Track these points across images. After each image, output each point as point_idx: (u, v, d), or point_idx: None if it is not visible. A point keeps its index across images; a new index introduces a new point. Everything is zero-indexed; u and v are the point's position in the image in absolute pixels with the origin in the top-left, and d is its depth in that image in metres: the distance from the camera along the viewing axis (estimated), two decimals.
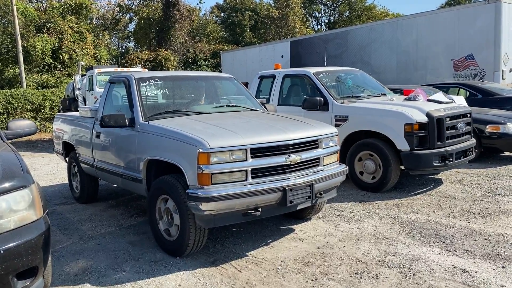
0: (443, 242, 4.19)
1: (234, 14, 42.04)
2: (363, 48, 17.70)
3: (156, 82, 5.03)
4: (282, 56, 20.84)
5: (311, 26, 47.22)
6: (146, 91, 4.82)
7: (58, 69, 24.40)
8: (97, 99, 12.55)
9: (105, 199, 6.48)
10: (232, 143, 3.66)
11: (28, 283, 2.79)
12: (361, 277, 3.50)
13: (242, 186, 3.64)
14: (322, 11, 48.44)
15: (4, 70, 24.11)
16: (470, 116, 6.48)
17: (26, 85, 21.41)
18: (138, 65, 20.62)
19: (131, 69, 14.99)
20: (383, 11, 46.98)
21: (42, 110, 19.08)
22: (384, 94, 6.97)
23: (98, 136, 5.31)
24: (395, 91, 8.51)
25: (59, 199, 6.68)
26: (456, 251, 3.96)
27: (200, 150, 3.54)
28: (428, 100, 6.27)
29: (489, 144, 8.03)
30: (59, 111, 18.51)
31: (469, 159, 6.43)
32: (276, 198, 3.76)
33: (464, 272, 3.53)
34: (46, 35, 23.95)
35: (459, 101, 6.91)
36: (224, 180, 3.61)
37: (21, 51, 20.83)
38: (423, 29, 15.75)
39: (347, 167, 4.62)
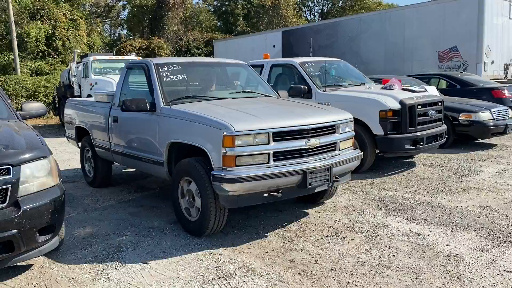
0: (406, 213, 4.79)
1: (227, 3, 42.21)
2: (352, 39, 18.18)
3: (174, 68, 5.07)
4: (274, 46, 21.30)
5: (304, 15, 47.55)
6: (165, 77, 4.92)
7: (52, 56, 24.62)
8: (92, 85, 13.00)
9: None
10: (255, 127, 3.79)
11: (48, 237, 3.34)
12: (330, 239, 4.09)
13: (264, 169, 3.78)
14: (315, 0, 48.76)
15: None
16: (441, 104, 7.05)
17: (20, 72, 21.68)
18: (132, 53, 20.99)
19: (126, 57, 15.38)
20: (376, 2, 47.35)
21: (37, 97, 19.40)
22: (364, 83, 7.53)
23: (115, 121, 5.40)
24: (377, 81, 9.06)
25: None
26: (415, 220, 4.56)
27: (226, 133, 3.67)
28: (403, 89, 6.84)
29: (462, 131, 8.65)
30: (53, 98, 18.87)
31: (440, 144, 7.02)
32: (296, 180, 3.90)
33: (419, 235, 4.14)
34: (40, 22, 24.13)
35: (431, 91, 7.47)
36: (247, 162, 3.75)
37: (15, 38, 21.07)
38: (410, 21, 16.25)
39: (362, 152, 4.80)
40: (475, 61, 14.57)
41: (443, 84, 11.54)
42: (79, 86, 13.96)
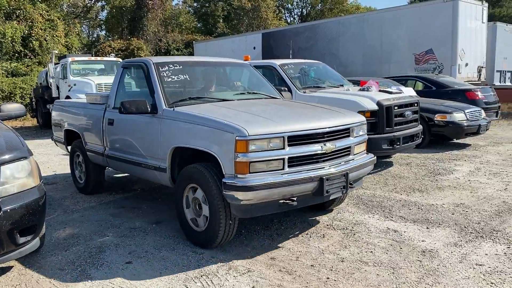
0: (383, 211, 4.92)
1: (207, 5, 42.17)
2: (331, 42, 18.42)
3: (175, 68, 4.77)
4: (254, 48, 21.40)
5: (284, 18, 47.86)
6: (166, 77, 4.63)
7: (28, 57, 24.15)
8: (71, 87, 12.85)
9: None
10: (270, 131, 3.54)
11: (29, 239, 3.32)
12: (310, 237, 4.18)
13: (279, 175, 3.54)
14: (294, 3, 49.14)
15: None
16: (417, 105, 7.25)
17: None
18: (112, 54, 20.76)
19: (105, 58, 15.24)
20: (355, 5, 48.03)
21: (13, 98, 19.04)
22: (342, 85, 7.67)
23: (111, 123, 5.06)
24: (355, 82, 9.24)
25: None
26: (392, 218, 4.69)
27: (238, 138, 3.42)
28: (380, 90, 7.00)
29: (437, 131, 8.90)
30: (30, 99, 18.55)
31: (416, 144, 7.21)
32: (312, 187, 3.67)
33: (395, 232, 4.27)
34: (15, 22, 23.66)
35: (408, 92, 7.67)
36: (261, 168, 3.49)
37: None
38: (388, 24, 16.57)
39: (375, 157, 4.55)
40: (450, 64, 14.93)
41: (419, 86, 11.84)
42: (57, 88, 13.77)
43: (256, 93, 5.19)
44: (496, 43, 18.13)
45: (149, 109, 4.30)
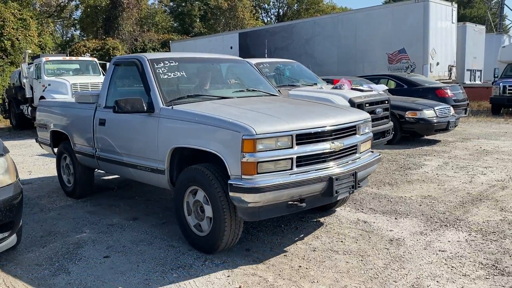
0: (354, 203, 5.11)
1: (183, 4, 41.99)
2: (307, 41, 18.68)
3: (171, 64, 4.56)
4: (231, 47, 21.50)
5: (261, 18, 48.10)
6: (161, 74, 4.43)
7: (0, 57, 23.65)
8: (46, 87, 12.69)
9: None
10: (278, 129, 3.37)
11: (6, 235, 3.37)
12: (284, 229, 4.34)
13: (287, 176, 3.38)
14: (271, 3, 49.46)
15: None
16: (387, 103, 7.49)
17: None
18: (87, 54, 20.55)
19: (80, 58, 15.10)
20: (330, 5, 48.66)
21: None
22: (316, 84, 7.87)
23: (102, 124, 4.83)
24: (329, 81, 9.47)
25: None
26: (363, 209, 4.89)
27: (245, 137, 3.24)
28: (352, 88, 7.22)
29: (409, 128, 9.19)
30: (3, 100, 18.18)
31: (387, 140, 7.45)
32: (321, 188, 3.53)
33: (365, 223, 4.46)
34: None
35: (379, 90, 7.92)
36: (269, 169, 3.33)
37: None
38: (362, 24, 16.91)
39: (380, 155, 4.46)
40: (421, 63, 15.39)
41: (392, 84, 12.18)
42: (31, 88, 13.57)
43: (255, 90, 5.00)
44: (466, 43, 18.72)
45: (145, 108, 4.10)
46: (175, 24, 42.30)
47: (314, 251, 3.80)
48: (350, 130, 3.90)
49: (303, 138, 3.49)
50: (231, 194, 3.35)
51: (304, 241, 4.01)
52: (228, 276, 3.35)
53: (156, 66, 4.45)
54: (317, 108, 4.27)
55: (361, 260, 3.60)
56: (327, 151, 3.61)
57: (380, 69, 15.88)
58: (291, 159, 3.41)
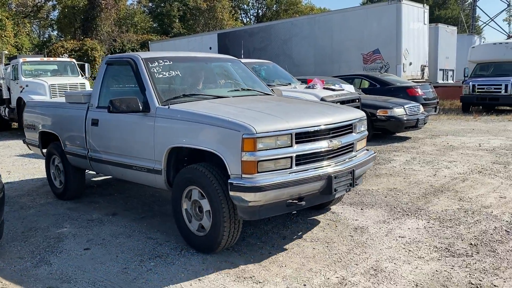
0: None
1: (162, 4, 41.96)
2: (285, 42, 19.00)
3: (165, 63, 4.55)
4: (210, 48, 21.68)
5: (240, 18, 48.37)
6: (156, 73, 4.41)
7: None
8: (23, 88, 12.67)
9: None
10: (277, 127, 3.39)
11: None
12: (257, 220, 4.59)
13: (287, 174, 3.41)
14: (250, 4, 49.78)
15: None
16: (358, 101, 7.84)
17: None
18: (65, 54, 20.44)
19: (58, 59, 15.08)
20: (309, 6, 49.26)
21: None
22: (290, 83, 8.17)
23: (95, 124, 4.76)
24: (303, 81, 9.79)
25: None
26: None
27: (245, 136, 3.25)
28: (324, 88, 7.54)
29: (380, 126, 9.57)
30: None
31: None
32: (319, 186, 3.57)
33: (333, 213, 4.76)
34: None
35: (349, 89, 8.27)
36: (269, 168, 3.34)
37: None
38: (337, 25, 17.32)
39: (376, 153, 4.55)
40: (395, 63, 15.87)
41: (366, 84, 12.60)
42: (8, 89, 13.52)
43: (250, 89, 5.00)
44: (438, 44, 19.30)
45: (140, 108, 4.06)
46: (154, 25, 42.22)
47: (283, 239, 4.06)
48: (347, 128, 3.97)
49: (302, 136, 3.53)
50: (231, 193, 3.35)
51: (275, 231, 4.27)
52: (203, 263, 3.59)
53: (150, 66, 4.43)
54: (313, 107, 4.33)
55: (327, 246, 3.88)
56: (325, 149, 3.66)
57: (356, 69, 16.28)
58: (291, 157, 3.44)
